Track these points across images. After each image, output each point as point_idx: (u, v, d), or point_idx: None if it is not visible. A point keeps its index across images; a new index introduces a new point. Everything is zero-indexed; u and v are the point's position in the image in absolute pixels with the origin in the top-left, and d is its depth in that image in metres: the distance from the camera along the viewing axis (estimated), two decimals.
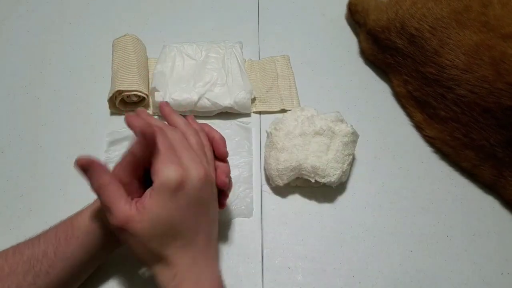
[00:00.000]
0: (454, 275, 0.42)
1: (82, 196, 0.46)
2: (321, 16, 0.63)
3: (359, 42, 0.59)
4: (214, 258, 0.36)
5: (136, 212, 0.31)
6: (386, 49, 0.53)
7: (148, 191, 0.32)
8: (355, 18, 0.60)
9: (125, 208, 0.31)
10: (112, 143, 0.50)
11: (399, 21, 0.51)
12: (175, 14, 0.63)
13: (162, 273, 0.32)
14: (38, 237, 0.36)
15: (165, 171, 0.31)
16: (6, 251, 0.35)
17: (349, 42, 0.61)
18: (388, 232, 0.45)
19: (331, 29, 0.62)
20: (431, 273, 0.42)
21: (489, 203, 0.47)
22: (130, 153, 0.33)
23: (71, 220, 0.36)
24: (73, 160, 0.50)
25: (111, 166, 0.47)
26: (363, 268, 0.42)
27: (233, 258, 0.43)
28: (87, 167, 0.32)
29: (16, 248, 0.35)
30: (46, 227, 0.44)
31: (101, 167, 0.32)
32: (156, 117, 0.52)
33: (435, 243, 0.44)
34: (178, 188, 0.31)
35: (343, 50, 0.60)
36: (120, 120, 0.52)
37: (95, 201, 0.37)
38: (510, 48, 0.43)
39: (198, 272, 0.33)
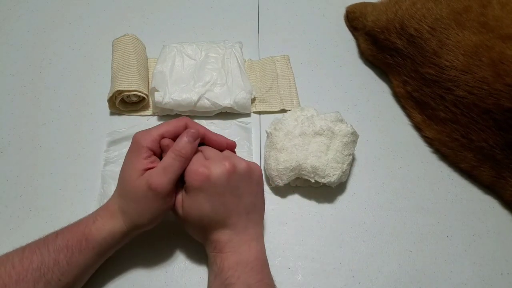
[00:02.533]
0: (454, 275, 0.42)
1: (82, 196, 0.46)
2: (321, 16, 0.63)
3: (358, 45, 0.59)
4: (253, 237, 0.38)
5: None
6: (385, 50, 0.53)
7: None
8: (354, 24, 0.60)
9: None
10: (112, 143, 0.50)
11: (398, 21, 0.51)
12: (175, 14, 0.63)
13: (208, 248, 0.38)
14: (45, 244, 0.35)
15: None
16: (11, 258, 0.34)
17: (349, 42, 0.61)
18: (388, 232, 0.45)
19: (331, 29, 0.62)
20: (431, 273, 0.42)
21: (489, 203, 0.47)
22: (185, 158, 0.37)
23: (83, 230, 0.36)
24: (73, 160, 0.50)
25: (111, 166, 0.47)
26: (363, 268, 0.42)
27: None
28: None
29: (23, 255, 0.34)
30: (46, 227, 0.44)
31: None
32: (155, 117, 0.52)
33: (435, 243, 0.44)
34: (202, 183, 0.35)
35: (343, 50, 0.60)
36: (120, 120, 0.52)
37: (105, 209, 0.37)
38: (509, 49, 0.43)
39: (234, 248, 0.37)
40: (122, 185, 0.37)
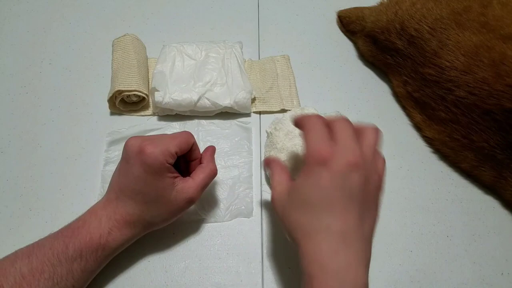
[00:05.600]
0: (454, 275, 0.42)
1: (82, 196, 0.46)
2: (321, 16, 0.63)
3: (357, 48, 0.59)
4: (357, 259, 0.31)
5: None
6: (385, 50, 0.53)
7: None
8: (350, 28, 0.60)
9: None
10: (112, 143, 0.50)
11: (398, 22, 0.51)
12: (175, 14, 0.63)
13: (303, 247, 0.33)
14: (55, 255, 0.35)
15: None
16: (19, 268, 0.34)
17: (349, 42, 0.61)
18: (388, 232, 0.45)
19: (331, 29, 0.62)
20: (431, 273, 0.42)
21: (489, 203, 0.47)
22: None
23: (98, 241, 0.36)
24: (73, 160, 0.50)
25: (111, 166, 0.47)
26: None
27: (233, 258, 0.43)
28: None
29: (31, 266, 0.34)
30: (46, 227, 0.44)
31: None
32: (155, 117, 0.52)
33: (435, 243, 0.44)
34: (320, 163, 0.31)
35: (343, 50, 0.60)
36: (120, 120, 0.52)
37: (122, 220, 0.38)
38: (510, 49, 0.43)
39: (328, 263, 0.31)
40: (149, 198, 0.38)
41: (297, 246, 0.33)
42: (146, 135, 0.50)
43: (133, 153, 0.37)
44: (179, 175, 0.39)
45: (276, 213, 0.36)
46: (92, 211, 0.38)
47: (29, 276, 0.33)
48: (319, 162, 0.31)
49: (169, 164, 0.37)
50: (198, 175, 0.39)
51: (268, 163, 0.40)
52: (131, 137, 0.38)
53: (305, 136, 0.34)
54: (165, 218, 0.39)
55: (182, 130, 0.51)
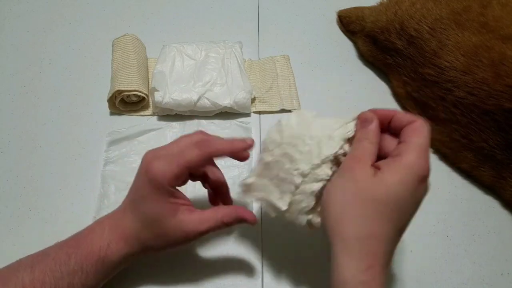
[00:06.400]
0: (454, 275, 0.42)
1: (82, 196, 0.46)
2: (321, 16, 0.63)
3: (357, 48, 0.59)
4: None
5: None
6: (385, 50, 0.53)
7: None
8: (350, 28, 0.60)
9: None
10: (112, 143, 0.50)
11: (398, 22, 0.51)
12: (175, 14, 0.63)
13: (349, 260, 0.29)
14: (57, 265, 0.34)
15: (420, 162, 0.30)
16: (20, 278, 0.33)
17: (349, 42, 0.61)
18: None
19: (331, 29, 0.62)
20: (431, 273, 0.42)
21: (489, 203, 0.47)
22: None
23: (98, 254, 0.35)
24: (73, 160, 0.50)
25: (110, 166, 0.47)
26: None
27: (233, 258, 0.43)
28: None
29: (33, 276, 0.33)
30: (46, 227, 0.44)
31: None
32: (155, 117, 0.52)
33: (435, 243, 0.44)
34: (422, 180, 0.30)
35: (343, 50, 0.60)
36: (120, 120, 0.52)
37: (120, 233, 0.35)
38: (510, 49, 0.43)
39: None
40: (146, 219, 0.35)
41: (343, 243, 0.29)
42: (147, 134, 0.50)
43: (142, 165, 0.35)
44: (189, 203, 0.36)
45: (343, 191, 0.30)
46: (100, 221, 0.37)
47: (30, 286, 0.33)
48: (420, 179, 0.30)
49: (172, 188, 0.34)
50: (207, 215, 0.35)
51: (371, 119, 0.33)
52: (151, 149, 0.36)
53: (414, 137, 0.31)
54: (159, 246, 0.36)
55: (182, 130, 0.51)
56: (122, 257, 0.36)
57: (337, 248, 0.30)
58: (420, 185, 0.30)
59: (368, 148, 0.32)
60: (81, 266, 0.34)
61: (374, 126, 0.33)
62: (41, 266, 0.34)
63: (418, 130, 0.31)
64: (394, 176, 0.29)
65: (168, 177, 0.33)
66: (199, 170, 0.38)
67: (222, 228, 0.36)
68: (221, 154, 0.36)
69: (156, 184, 0.33)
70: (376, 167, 0.31)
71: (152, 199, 0.34)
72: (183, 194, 0.36)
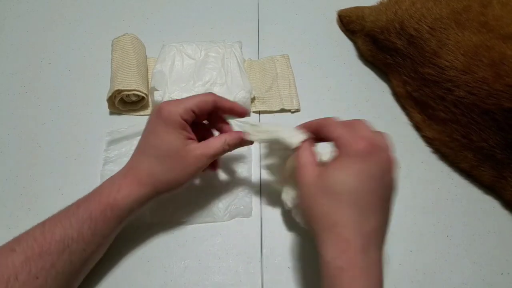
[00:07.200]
0: (454, 275, 0.42)
1: (81, 195, 0.46)
2: (321, 16, 0.63)
3: (357, 48, 0.59)
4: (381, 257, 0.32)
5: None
6: (385, 50, 0.53)
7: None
8: (350, 27, 0.60)
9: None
10: (112, 142, 0.50)
11: (398, 21, 0.50)
12: (175, 14, 0.63)
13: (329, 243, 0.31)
14: (67, 217, 0.35)
15: (347, 140, 0.33)
16: (32, 234, 0.34)
17: (349, 42, 0.61)
18: (388, 232, 0.44)
19: (331, 29, 0.62)
20: (431, 273, 0.42)
21: (489, 203, 0.47)
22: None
23: (107, 200, 0.36)
24: (73, 160, 0.50)
25: (110, 166, 0.47)
26: None
27: (233, 258, 0.43)
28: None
29: (43, 229, 0.34)
30: None
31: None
32: None
33: (435, 243, 0.44)
34: (362, 155, 0.32)
35: (343, 50, 0.60)
36: (119, 119, 0.52)
37: (131, 176, 0.37)
38: (510, 49, 0.43)
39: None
40: (160, 152, 0.37)
41: (319, 235, 0.32)
42: None
43: (153, 111, 0.38)
44: (195, 138, 0.39)
45: (301, 195, 0.34)
46: (111, 177, 0.39)
47: (40, 238, 0.33)
48: (358, 153, 0.31)
49: (184, 120, 0.37)
50: (213, 140, 0.39)
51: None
52: None
53: (336, 130, 0.34)
54: (172, 181, 0.38)
55: None
56: (132, 201, 0.37)
57: (315, 240, 0.32)
58: (364, 160, 0.31)
59: (306, 156, 0.35)
60: (89, 214, 0.35)
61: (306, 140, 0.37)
62: (51, 220, 0.35)
63: (328, 125, 0.34)
64: (334, 165, 0.32)
65: (180, 111, 0.37)
66: (205, 116, 0.41)
67: (226, 151, 0.39)
68: (223, 105, 0.40)
69: (169, 117, 0.37)
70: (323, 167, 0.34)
71: (164, 132, 0.37)
72: (190, 129, 0.38)
